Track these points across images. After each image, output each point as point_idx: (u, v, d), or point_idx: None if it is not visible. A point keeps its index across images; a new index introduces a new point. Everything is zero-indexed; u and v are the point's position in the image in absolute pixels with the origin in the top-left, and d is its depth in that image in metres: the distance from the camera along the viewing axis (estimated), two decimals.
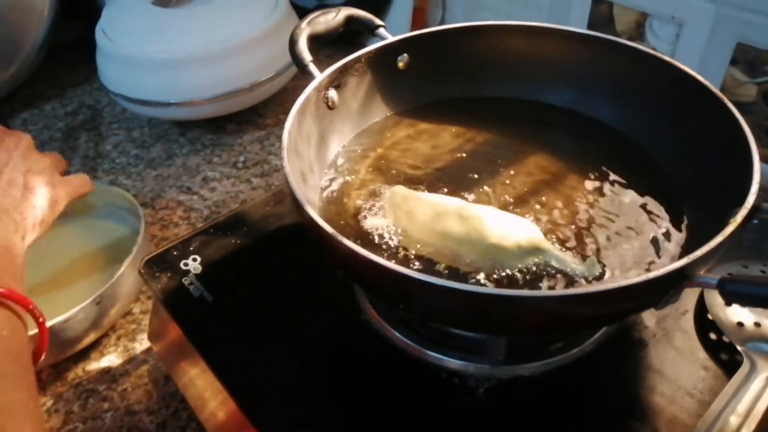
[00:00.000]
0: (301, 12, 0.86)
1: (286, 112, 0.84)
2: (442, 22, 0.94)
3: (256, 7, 0.81)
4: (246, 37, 0.77)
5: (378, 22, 0.55)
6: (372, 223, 0.46)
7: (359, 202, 0.48)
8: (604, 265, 0.42)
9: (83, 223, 0.68)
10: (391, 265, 0.34)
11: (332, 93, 0.50)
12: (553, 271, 0.42)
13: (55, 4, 0.91)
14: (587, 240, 0.44)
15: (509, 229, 0.43)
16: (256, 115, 0.87)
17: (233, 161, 0.80)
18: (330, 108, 0.51)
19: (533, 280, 0.41)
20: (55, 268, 0.63)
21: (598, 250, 0.44)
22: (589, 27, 0.74)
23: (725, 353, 0.44)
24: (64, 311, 0.52)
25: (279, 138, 0.83)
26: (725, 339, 0.44)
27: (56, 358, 0.56)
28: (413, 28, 0.94)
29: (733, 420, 0.39)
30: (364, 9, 0.56)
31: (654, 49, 0.51)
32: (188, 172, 0.79)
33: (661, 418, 0.40)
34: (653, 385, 0.42)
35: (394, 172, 0.51)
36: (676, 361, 0.43)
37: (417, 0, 0.92)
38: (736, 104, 0.44)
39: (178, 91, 0.77)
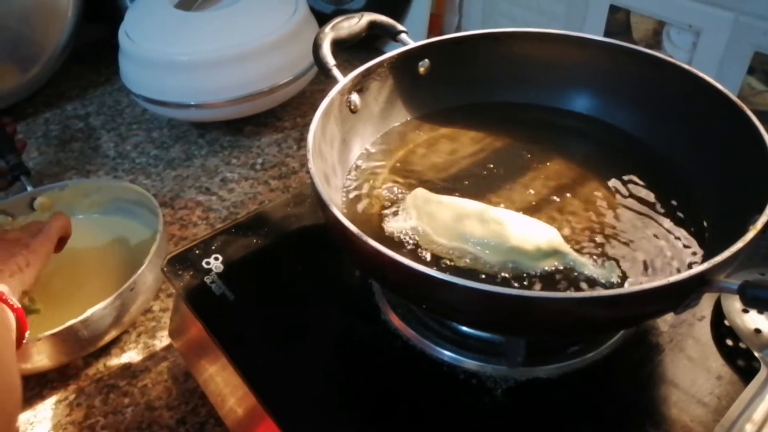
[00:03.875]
0: (320, 17, 0.87)
1: (304, 116, 0.85)
2: (458, 28, 0.95)
3: (275, 12, 0.82)
4: (265, 40, 0.79)
5: (400, 27, 0.56)
6: (393, 224, 0.47)
7: (380, 204, 0.49)
8: (623, 270, 0.43)
9: (103, 222, 0.70)
10: (415, 265, 0.35)
11: (355, 97, 0.51)
12: (573, 275, 0.42)
13: (78, 6, 0.93)
14: (606, 244, 0.45)
15: (529, 232, 0.43)
16: (274, 118, 0.88)
17: (251, 163, 0.81)
18: (352, 112, 0.52)
19: (553, 283, 0.42)
20: (74, 266, 0.65)
21: (616, 255, 0.44)
22: (606, 35, 0.75)
23: (742, 359, 0.44)
24: (84, 308, 0.53)
25: (296, 141, 0.84)
26: (742, 345, 0.45)
27: (78, 354, 0.57)
28: (430, 34, 0.95)
29: (749, 428, 0.39)
30: (382, 14, 0.57)
31: (671, 57, 0.51)
32: (207, 172, 0.80)
33: (676, 423, 0.41)
34: (669, 390, 0.42)
35: (415, 175, 0.52)
36: (692, 367, 0.44)
37: (434, 6, 0.93)
38: (753, 113, 0.44)
39: (198, 93, 0.79)
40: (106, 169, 0.82)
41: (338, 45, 0.53)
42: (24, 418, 0.53)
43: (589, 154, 0.54)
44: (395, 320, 0.47)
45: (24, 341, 0.49)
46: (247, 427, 0.47)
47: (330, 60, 0.51)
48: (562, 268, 0.43)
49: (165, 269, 0.52)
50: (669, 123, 0.52)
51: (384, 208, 0.49)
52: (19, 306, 0.48)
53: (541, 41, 0.56)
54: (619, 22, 0.73)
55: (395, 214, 0.48)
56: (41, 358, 0.53)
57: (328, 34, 0.52)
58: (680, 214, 0.47)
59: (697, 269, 0.34)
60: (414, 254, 0.44)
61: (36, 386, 0.56)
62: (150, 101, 0.81)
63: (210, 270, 0.52)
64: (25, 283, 0.51)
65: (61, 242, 0.60)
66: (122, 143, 0.86)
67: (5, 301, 0.47)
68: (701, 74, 0.48)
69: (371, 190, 0.51)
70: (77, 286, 0.62)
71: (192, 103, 0.79)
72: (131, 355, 0.58)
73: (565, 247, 0.43)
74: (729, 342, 0.45)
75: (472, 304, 0.36)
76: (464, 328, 0.45)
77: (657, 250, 0.44)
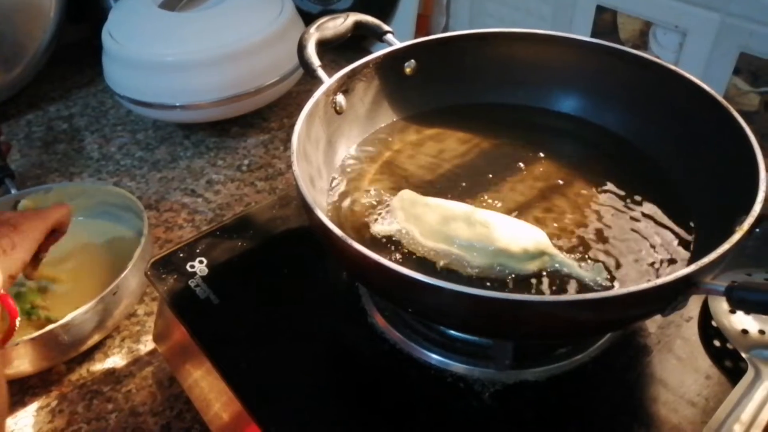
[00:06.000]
0: (306, 17, 0.87)
1: (291, 116, 0.85)
2: (445, 29, 0.94)
3: (261, 12, 0.81)
4: (251, 41, 0.78)
5: (386, 27, 0.56)
6: (379, 226, 0.46)
7: (367, 205, 0.49)
8: (611, 272, 0.43)
9: (88, 225, 0.69)
10: (401, 268, 0.34)
11: (340, 98, 0.51)
12: (560, 276, 0.42)
13: (61, 6, 0.91)
14: (593, 246, 0.45)
15: (516, 234, 0.43)
16: (261, 119, 0.88)
17: (237, 164, 0.80)
18: (338, 113, 0.51)
19: (539, 285, 0.42)
20: (58, 269, 0.64)
21: (604, 256, 0.44)
22: (593, 35, 0.75)
23: (729, 360, 0.44)
24: (67, 312, 0.52)
25: (283, 142, 0.84)
26: (729, 346, 0.45)
27: (60, 359, 0.56)
28: (417, 34, 0.94)
29: (737, 428, 0.39)
30: (369, 15, 0.56)
31: (657, 57, 0.51)
32: (192, 174, 0.79)
33: (665, 424, 0.40)
34: (657, 392, 0.42)
35: (401, 176, 0.52)
36: (680, 368, 0.44)
37: (421, 6, 0.92)
38: (739, 113, 0.44)
39: (183, 94, 0.78)
40: (90, 171, 0.81)
41: (324, 45, 0.53)
42: None
43: (576, 155, 0.54)
44: (382, 323, 0.46)
45: (15, 329, 0.48)
46: None
47: (315, 61, 0.50)
48: (549, 269, 0.42)
49: (149, 273, 0.51)
50: (655, 123, 0.52)
51: (370, 210, 0.48)
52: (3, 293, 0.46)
53: (528, 42, 0.56)
54: (605, 22, 0.73)
55: (381, 216, 0.47)
56: (22, 362, 0.52)
57: (313, 35, 0.52)
58: (667, 215, 0.47)
59: (684, 271, 0.33)
60: (400, 257, 0.44)
61: (17, 392, 0.55)
62: (134, 102, 0.80)
63: (194, 273, 0.51)
64: (11, 268, 0.48)
65: (55, 234, 0.56)
66: (106, 145, 0.85)
67: None
68: (687, 75, 0.48)
69: (357, 191, 0.50)
70: (58, 290, 0.61)
71: (177, 104, 0.78)
72: (115, 359, 0.57)
73: (552, 249, 0.43)
74: (717, 343, 0.45)
75: (459, 308, 0.36)
76: (451, 332, 0.45)
77: (643, 251, 0.44)
